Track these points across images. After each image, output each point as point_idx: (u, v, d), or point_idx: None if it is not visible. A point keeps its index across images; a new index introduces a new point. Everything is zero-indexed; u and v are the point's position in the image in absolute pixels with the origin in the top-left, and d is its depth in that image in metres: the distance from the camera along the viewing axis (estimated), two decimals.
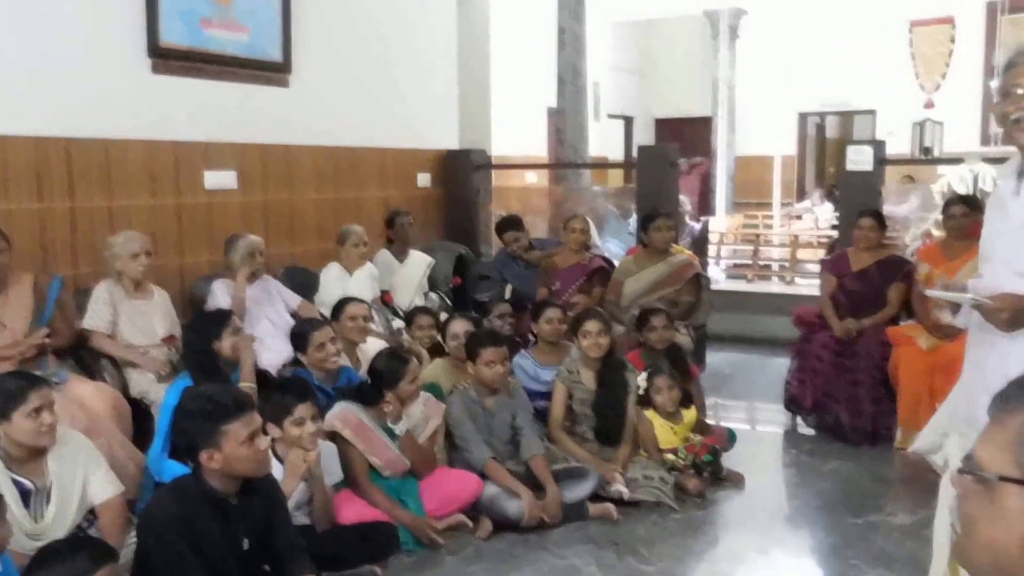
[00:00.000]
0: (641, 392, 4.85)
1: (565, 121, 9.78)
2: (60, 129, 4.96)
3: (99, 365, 4.69)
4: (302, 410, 3.64)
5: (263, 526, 3.14)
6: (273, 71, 6.07)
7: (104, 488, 3.45)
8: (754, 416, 6.53)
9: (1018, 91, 2.54)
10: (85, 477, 3.39)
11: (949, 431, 2.82)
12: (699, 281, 6.23)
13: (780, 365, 6.24)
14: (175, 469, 3.69)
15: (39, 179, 4.89)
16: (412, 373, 4.26)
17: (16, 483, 3.23)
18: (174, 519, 2.93)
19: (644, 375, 4.88)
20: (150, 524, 3.02)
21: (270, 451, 3.58)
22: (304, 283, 5.93)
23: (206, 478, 2.99)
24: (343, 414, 4.12)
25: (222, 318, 4.32)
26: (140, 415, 4.44)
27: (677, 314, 5.85)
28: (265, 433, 3.53)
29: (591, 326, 4.84)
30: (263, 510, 3.14)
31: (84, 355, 4.70)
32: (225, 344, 4.23)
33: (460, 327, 5.04)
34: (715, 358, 7.53)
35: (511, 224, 6.84)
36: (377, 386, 4.24)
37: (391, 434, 4.21)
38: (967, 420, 2.59)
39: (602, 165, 10.79)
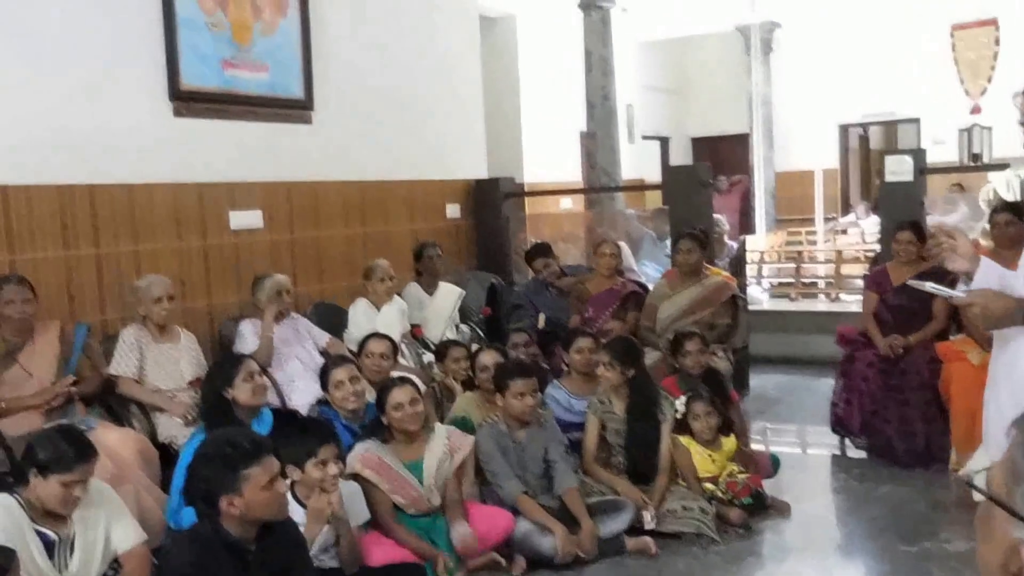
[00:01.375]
0: (679, 417, 4.71)
1: (596, 144, 9.72)
2: (84, 176, 4.98)
3: (127, 411, 4.68)
4: (325, 452, 3.57)
5: (283, 572, 3.07)
6: (295, 108, 6.07)
7: (127, 537, 3.41)
8: (801, 440, 6.37)
9: None
10: (108, 526, 3.36)
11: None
12: (736, 302, 6.11)
13: (827, 386, 6.07)
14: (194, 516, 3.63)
15: (64, 227, 4.90)
16: (394, 399, 4.11)
17: (39, 534, 3.20)
18: (192, 567, 2.88)
19: (682, 400, 4.75)
20: (169, 573, 3.00)
21: (289, 494, 3.55)
22: (333, 320, 5.89)
23: (223, 524, 2.93)
24: (363, 455, 4.05)
25: (234, 364, 4.23)
26: (168, 460, 4.38)
27: (714, 337, 5.73)
28: (284, 476, 3.49)
29: (600, 355, 4.77)
30: (283, 555, 3.08)
31: (112, 401, 4.69)
32: (240, 391, 4.13)
33: (489, 359, 4.95)
34: (759, 381, 7.37)
35: (540, 251, 6.76)
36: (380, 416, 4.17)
37: (415, 471, 4.11)
38: (992, 435, 2.51)
39: (631, 188, 10.67)
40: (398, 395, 4.11)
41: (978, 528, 1.18)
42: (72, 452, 3.18)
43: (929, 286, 2.80)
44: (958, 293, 2.70)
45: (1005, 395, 2.52)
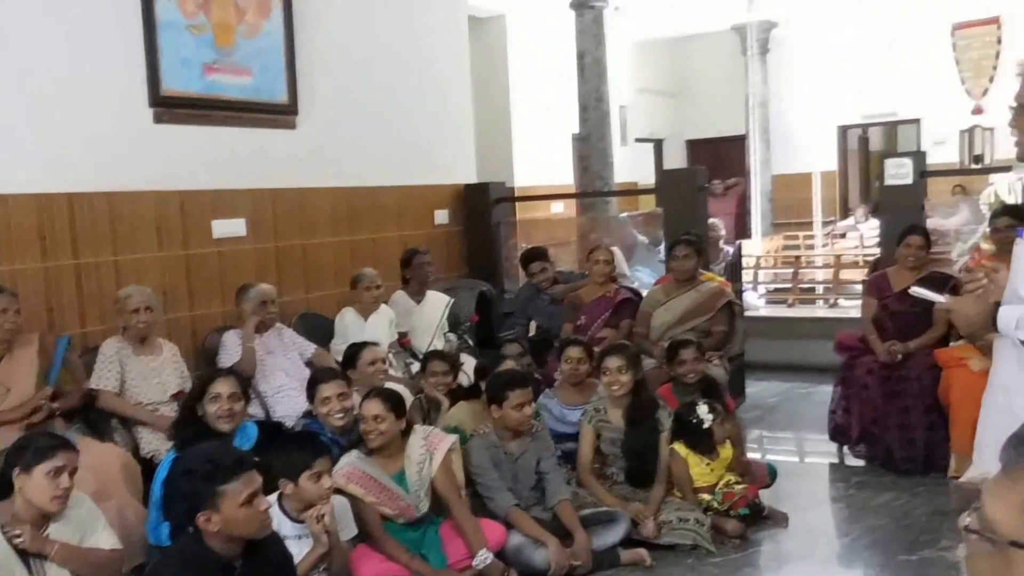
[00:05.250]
0: (706, 426, 4.58)
1: (589, 148, 9.63)
2: (62, 184, 4.88)
3: (108, 425, 4.60)
4: (320, 465, 3.52)
5: None
6: (280, 113, 5.96)
7: (102, 543, 3.39)
8: (799, 448, 6.32)
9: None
10: (83, 534, 3.34)
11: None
12: (732, 309, 6.02)
13: (825, 394, 5.99)
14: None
15: (42, 237, 4.81)
16: (363, 411, 4.01)
17: (18, 552, 3.16)
18: None
19: (705, 407, 4.62)
20: None
21: (280, 509, 3.51)
22: (320, 330, 5.81)
23: (207, 541, 2.87)
24: (347, 470, 3.96)
25: (206, 380, 4.15)
26: (151, 475, 4.29)
27: (710, 344, 5.65)
28: (274, 490, 3.48)
29: (610, 362, 4.65)
30: (270, 572, 3.04)
31: (93, 416, 4.61)
32: (206, 411, 4.04)
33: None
34: (756, 388, 7.30)
35: (537, 255, 6.64)
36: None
37: (400, 481, 4.03)
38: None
39: (624, 192, 10.57)
40: (364, 407, 4.03)
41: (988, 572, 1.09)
42: (50, 442, 3.23)
43: (915, 290, 2.91)
44: (940, 299, 2.77)
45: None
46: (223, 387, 4.03)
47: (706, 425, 4.58)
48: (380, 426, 3.98)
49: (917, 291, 2.90)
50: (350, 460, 4.00)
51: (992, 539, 1.05)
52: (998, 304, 2.61)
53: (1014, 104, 2.58)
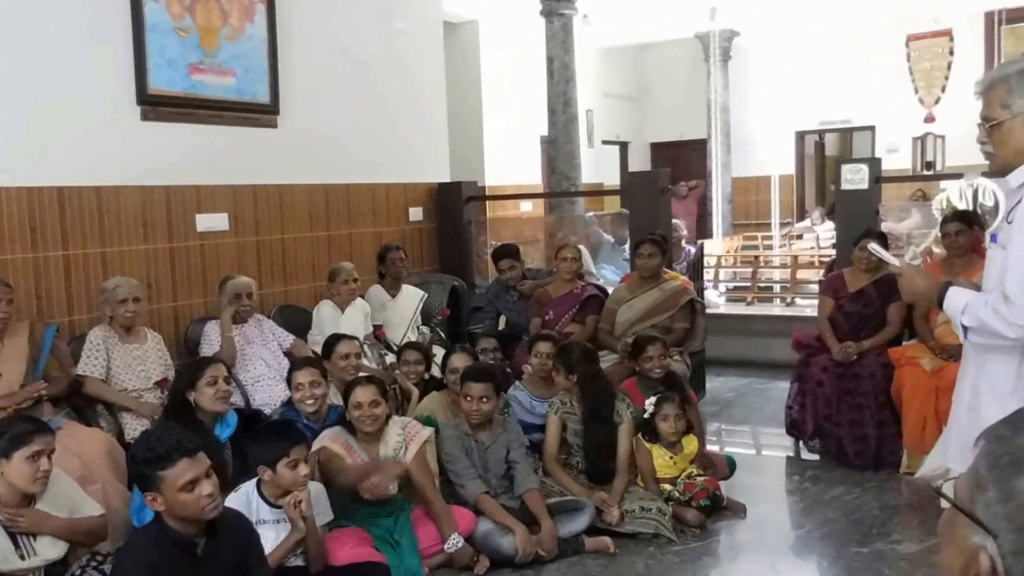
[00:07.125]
0: (646, 416, 4.76)
1: (557, 150, 9.80)
2: (52, 179, 4.99)
3: (94, 411, 4.71)
4: (296, 452, 3.61)
5: (237, 568, 3.08)
6: (261, 113, 6.09)
7: (90, 509, 3.56)
8: (756, 442, 6.46)
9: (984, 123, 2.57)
10: (71, 512, 3.46)
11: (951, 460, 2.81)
12: (694, 307, 6.18)
13: (782, 389, 6.14)
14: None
15: (32, 229, 4.92)
16: (355, 398, 4.18)
17: (4, 527, 3.29)
18: (142, 566, 2.91)
19: (652, 399, 4.79)
20: (119, 572, 3.03)
21: (258, 495, 3.63)
22: (298, 321, 5.95)
23: (166, 521, 2.95)
24: (331, 434, 4.16)
25: (199, 367, 4.30)
26: None
27: (672, 340, 5.78)
28: (255, 476, 3.59)
29: (558, 361, 4.86)
30: (235, 552, 3.08)
31: (79, 401, 4.71)
32: (202, 395, 4.20)
33: (460, 362, 4.96)
34: (715, 383, 7.45)
35: (507, 252, 6.78)
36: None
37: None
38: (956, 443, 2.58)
39: (590, 193, 10.74)
40: (359, 394, 4.18)
41: (942, 533, 1.21)
42: (26, 428, 3.33)
43: (873, 247, 3.08)
44: (895, 261, 2.92)
45: (991, 409, 2.55)
46: (219, 371, 4.25)
47: (646, 415, 4.77)
48: (376, 410, 4.16)
49: (875, 248, 3.04)
50: (336, 430, 4.20)
51: (949, 501, 1.19)
52: (949, 283, 2.69)
53: (981, 121, 2.65)
